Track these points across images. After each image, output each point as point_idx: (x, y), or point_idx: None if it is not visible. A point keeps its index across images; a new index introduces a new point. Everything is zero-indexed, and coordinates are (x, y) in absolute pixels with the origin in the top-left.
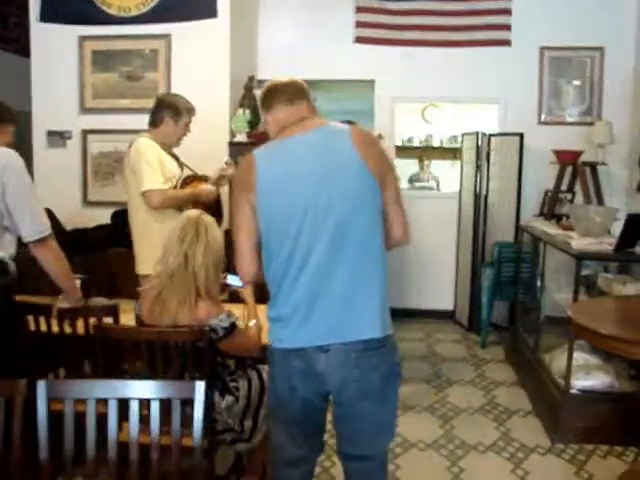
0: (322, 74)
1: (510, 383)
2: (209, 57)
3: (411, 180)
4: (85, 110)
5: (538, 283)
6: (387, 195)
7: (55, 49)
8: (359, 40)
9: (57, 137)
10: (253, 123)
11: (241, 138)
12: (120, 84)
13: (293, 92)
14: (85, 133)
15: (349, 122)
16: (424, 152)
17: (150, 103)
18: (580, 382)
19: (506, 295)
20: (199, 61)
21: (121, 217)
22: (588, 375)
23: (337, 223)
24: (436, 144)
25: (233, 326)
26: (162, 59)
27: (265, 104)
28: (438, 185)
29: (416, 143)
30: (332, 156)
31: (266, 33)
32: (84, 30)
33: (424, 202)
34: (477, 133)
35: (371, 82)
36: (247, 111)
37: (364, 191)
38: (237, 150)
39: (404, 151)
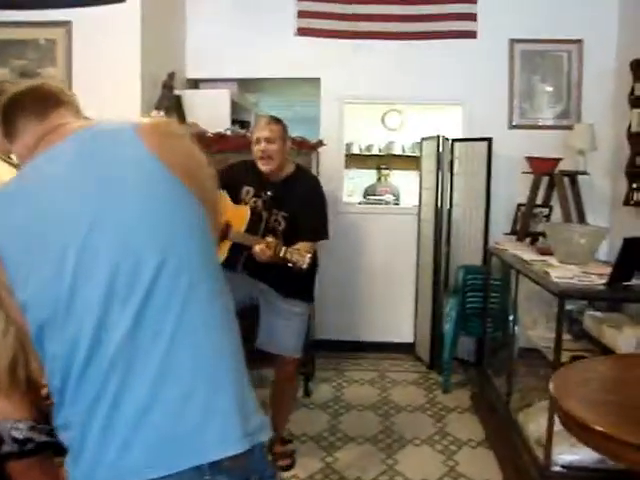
0: (261, 72)
1: (476, 442)
2: (117, 50)
3: (367, 193)
4: None
5: (510, 317)
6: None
7: None
8: (302, 32)
9: None
10: None
11: None
12: (12, 81)
13: (43, 102)
14: None
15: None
16: (384, 161)
17: None
18: (564, 457)
19: (472, 330)
20: (105, 55)
21: None
22: (574, 447)
23: (133, 274)
24: (398, 152)
25: (36, 448)
26: (61, 51)
27: (7, 132)
28: (398, 198)
29: (375, 151)
30: (109, 169)
31: (195, 26)
32: None
33: (379, 218)
34: (438, 137)
35: (316, 81)
36: (162, 113)
37: (175, 214)
38: None
39: (363, 160)
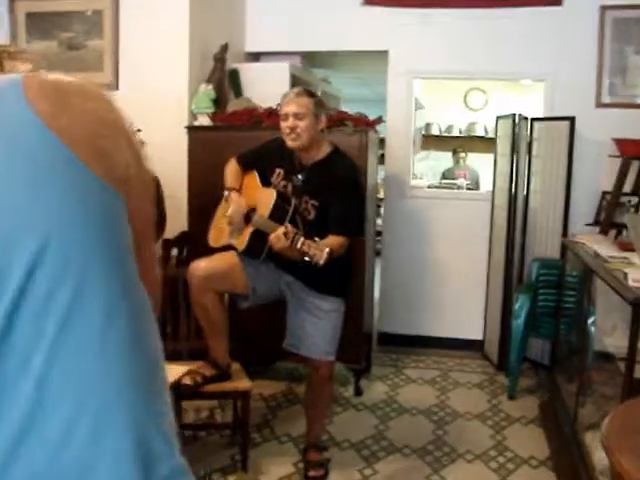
0: (325, 45)
1: (538, 462)
2: (165, 21)
3: (444, 176)
4: None
5: (585, 320)
6: (134, 221)
7: None
8: (369, 1)
9: None
10: (219, 102)
11: (203, 121)
12: (59, 55)
13: None
14: None
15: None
16: (465, 143)
17: (95, 77)
18: None
19: (544, 331)
20: (153, 25)
21: None
22: None
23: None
24: (480, 133)
25: None
26: (108, 23)
27: None
28: (477, 183)
29: (456, 132)
30: None
31: None
32: None
33: (449, 204)
34: (514, 116)
35: (384, 54)
36: (210, 87)
37: (65, 202)
38: (197, 137)
39: (443, 141)
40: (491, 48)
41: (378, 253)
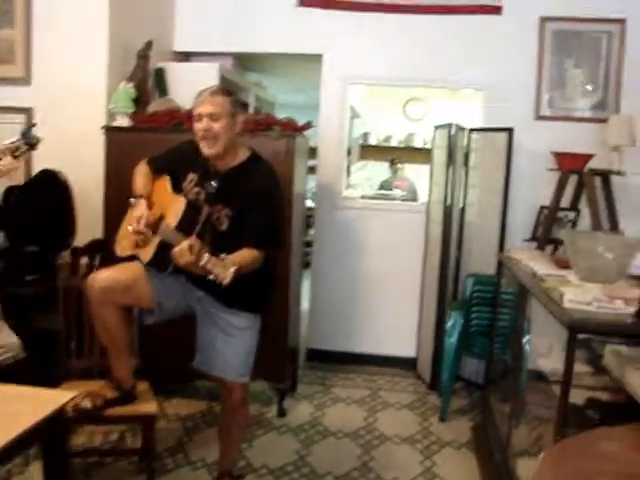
0: (256, 46)
1: None
2: (82, 11)
3: (382, 187)
4: None
5: (519, 339)
6: None
7: None
8: (304, 3)
9: None
10: (140, 101)
11: (122, 121)
12: None
13: None
14: None
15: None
16: (403, 153)
17: (5, 70)
18: None
19: (478, 350)
20: (69, 17)
21: None
22: None
23: None
24: (418, 144)
25: None
26: (20, 10)
27: None
28: (415, 194)
29: (394, 143)
30: None
31: None
32: None
33: (383, 216)
34: (450, 125)
35: (318, 58)
36: (131, 85)
37: None
38: (115, 139)
39: (381, 152)
40: (430, 56)
41: (308, 265)
